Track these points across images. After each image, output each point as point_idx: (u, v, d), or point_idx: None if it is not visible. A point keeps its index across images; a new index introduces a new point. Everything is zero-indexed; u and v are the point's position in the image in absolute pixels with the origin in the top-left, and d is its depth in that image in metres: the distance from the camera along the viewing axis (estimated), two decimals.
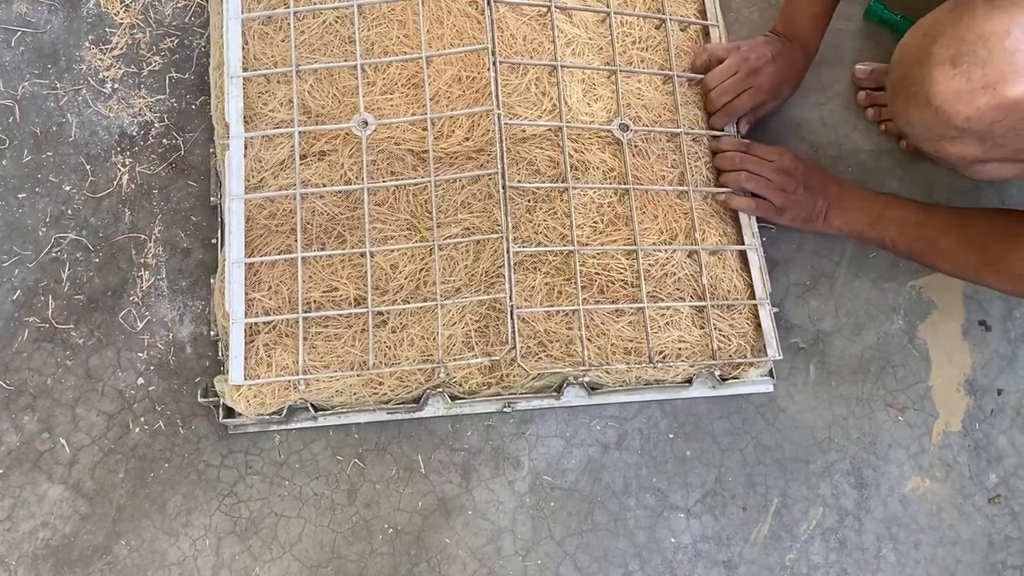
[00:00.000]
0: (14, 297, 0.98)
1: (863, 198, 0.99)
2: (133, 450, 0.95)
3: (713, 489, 0.98)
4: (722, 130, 1.04)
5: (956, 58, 0.73)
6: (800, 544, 0.97)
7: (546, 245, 0.96)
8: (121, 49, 1.07)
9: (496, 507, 0.96)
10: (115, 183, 1.03)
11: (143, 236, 1.02)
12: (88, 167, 1.03)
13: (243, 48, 0.99)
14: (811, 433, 1.00)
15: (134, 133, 1.05)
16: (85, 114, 1.05)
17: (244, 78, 0.98)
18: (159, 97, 1.06)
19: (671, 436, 0.99)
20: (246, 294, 0.93)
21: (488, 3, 0.95)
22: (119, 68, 1.06)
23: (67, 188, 1.02)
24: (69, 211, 1.02)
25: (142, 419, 0.96)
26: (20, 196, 1.01)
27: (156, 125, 1.05)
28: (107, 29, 1.07)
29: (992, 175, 0.84)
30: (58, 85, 1.05)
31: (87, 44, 1.07)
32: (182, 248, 1.01)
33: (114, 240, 1.01)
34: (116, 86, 1.06)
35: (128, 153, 1.04)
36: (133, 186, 1.03)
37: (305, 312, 0.93)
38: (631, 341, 0.96)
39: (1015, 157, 0.78)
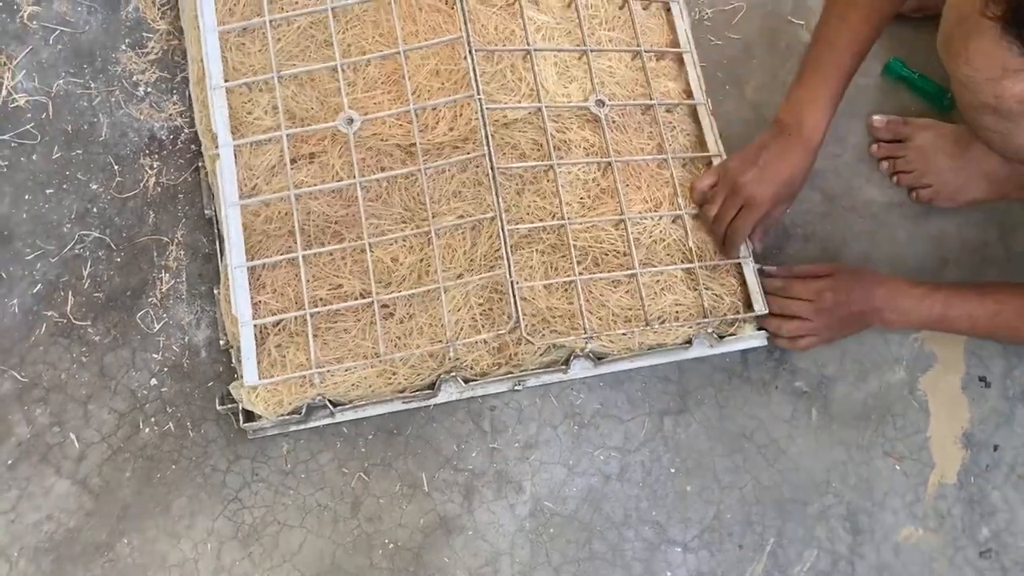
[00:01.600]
0: (35, 291, 1.00)
1: (917, 299, 0.98)
2: (141, 450, 0.96)
3: (711, 525, 0.99)
4: (738, 257, 1.04)
5: None
6: None
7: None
8: (156, 54, 1.09)
9: (496, 529, 0.97)
10: (141, 185, 1.05)
11: (165, 239, 1.03)
12: (116, 167, 1.05)
13: (222, 60, 1.02)
14: (810, 476, 1.02)
15: (163, 137, 1.06)
16: (117, 115, 1.06)
17: (227, 89, 1.00)
18: (190, 104, 1.08)
19: (672, 471, 1.01)
20: (251, 298, 0.95)
21: None
22: (153, 72, 1.08)
23: (94, 187, 1.04)
24: (95, 209, 1.03)
25: (152, 420, 0.98)
26: (48, 192, 1.03)
27: (185, 131, 1.07)
28: (144, 34, 1.09)
29: None
30: (92, 85, 1.07)
31: (123, 47, 1.09)
32: (203, 253, 1.03)
33: (137, 241, 1.03)
34: (149, 90, 1.08)
35: (156, 156, 1.06)
36: (159, 189, 1.05)
37: (312, 309, 0.95)
38: (631, 309, 1.00)
39: None
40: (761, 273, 1.04)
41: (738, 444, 1.02)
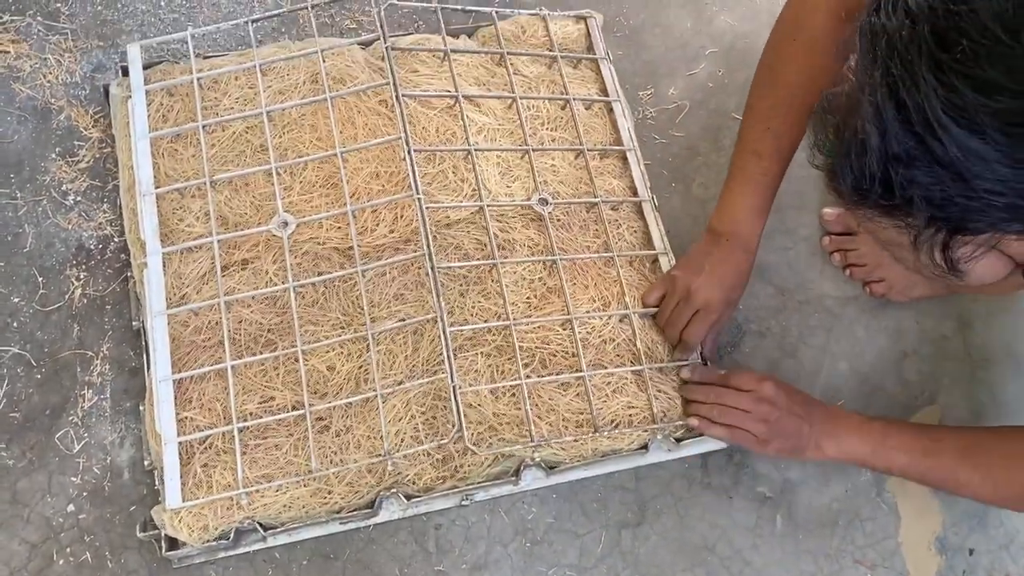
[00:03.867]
0: None
1: (856, 425, 0.93)
2: None
3: None
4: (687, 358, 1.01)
5: None
6: None
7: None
8: (88, 162, 1.06)
9: None
10: (67, 297, 1.00)
11: (90, 353, 0.98)
12: (40, 279, 1.00)
13: (153, 167, 0.99)
14: None
15: (92, 247, 1.02)
16: (43, 225, 1.02)
17: (157, 195, 0.97)
18: (120, 213, 1.04)
19: None
20: (177, 414, 0.90)
21: (396, 98, 0.98)
22: (83, 181, 1.05)
23: (16, 300, 0.99)
24: (15, 324, 0.98)
25: (68, 550, 0.90)
26: None
27: (115, 240, 1.02)
28: (75, 142, 1.07)
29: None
30: (19, 195, 1.03)
31: (53, 156, 1.06)
32: (130, 367, 0.97)
33: (59, 356, 0.97)
34: (79, 199, 1.04)
35: (84, 267, 1.01)
36: (85, 301, 1.00)
37: (241, 424, 0.89)
38: (582, 413, 0.95)
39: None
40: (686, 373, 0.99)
41: (700, 557, 0.96)
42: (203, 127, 0.99)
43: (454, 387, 0.89)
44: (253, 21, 1.05)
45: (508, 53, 1.08)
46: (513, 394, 0.95)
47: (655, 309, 1.01)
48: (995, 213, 0.53)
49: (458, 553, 0.93)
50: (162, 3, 1.15)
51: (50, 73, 1.10)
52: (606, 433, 0.94)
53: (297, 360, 0.91)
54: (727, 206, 0.97)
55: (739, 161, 0.96)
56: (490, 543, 0.94)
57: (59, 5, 1.13)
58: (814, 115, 0.61)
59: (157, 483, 0.90)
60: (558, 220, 1.04)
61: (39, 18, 1.12)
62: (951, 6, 0.50)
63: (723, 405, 0.94)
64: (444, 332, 0.91)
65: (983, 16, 0.49)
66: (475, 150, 1.01)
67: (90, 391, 0.96)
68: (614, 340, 0.99)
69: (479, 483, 0.93)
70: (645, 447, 0.96)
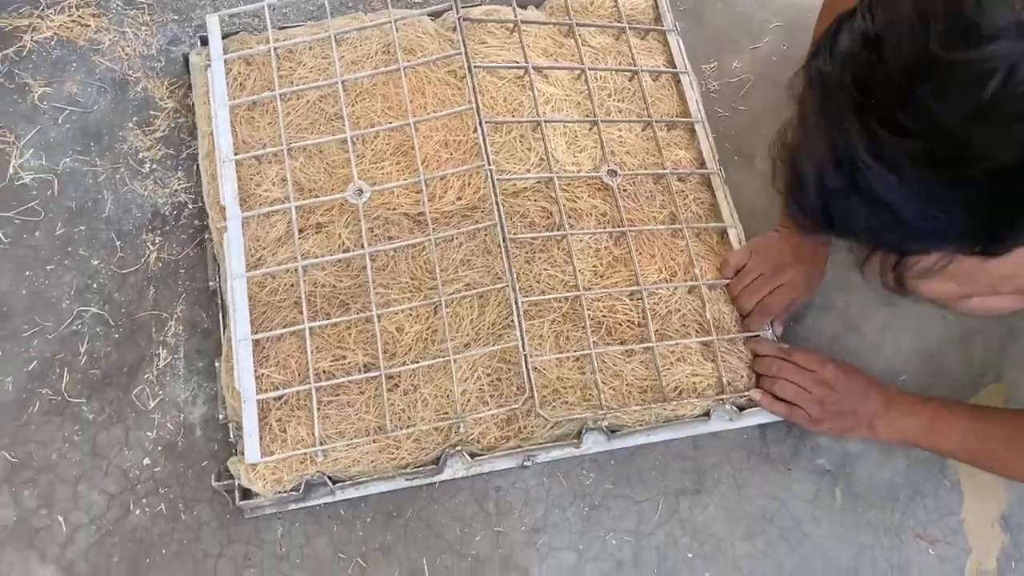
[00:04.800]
0: (30, 368, 0.97)
1: (909, 407, 0.94)
2: (131, 533, 0.92)
3: None
4: (757, 331, 1.02)
5: None
6: None
7: (548, 293, 0.97)
8: (163, 132, 1.09)
9: None
10: (143, 260, 1.03)
11: (165, 314, 1.01)
12: (118, 243, 1.04)
13: (232, 134, 1.01)
14: (836, 562, 0.95)
15: (166, 213, 1.06)
16: (121, 191, 1.06)
17: (236, 162, 1.00)
18: (195, 180, 1.07)
19: (690, 556, 0.95)
20: (254, 371, 0.92)
21: (468, 69, 0.99)
22: (159, 149, 1.08)
23: (95, 263, 1.03)
24: (95, 285, 1.02)
25: (144, 501, 0.94)
26: (48, 268, 1.02)
27: (189, 206, 1.06)
28: (151, 112, 1.10)
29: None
30: (98, 162, 1.07)
31: (131, 125, 1.09)
32: (202, 329, 1.01)
33: (136, 316, 1.01)
34: (154, 166, 1.08)
35: (159, 232, 1.05)
36: (160, 264, 1.03)
37: (316, 383, 0.91)
38: (646, 380, 0.96)
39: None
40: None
41: (759, 527, 0.96)
42: (280, 96, 1.01)
43: (525, 356, 0.90)
44: None
45: (577, 24, 1.08)
46: (578, 359, 0.96)
47: (726, 280, 1.01)
48: (927, 237, 0.56)
49: (517, 515, 0.95)
50: None
51: (128, 46, 1.13)
52: (672, 402, 0.94)
53: (369, 321, 0.94)
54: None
55: None
56: (549, 506, 0.96)
57: None
58: (772, 143, 0.64)
59: (230, 437, 0.94)
60: (624, 190, 1.04)
61: None
62: (869, 56, 0.53)
63: (785, 380, 0.95)
64: (516, 303, 0.92)
65: (891, 66, 0.51)
66: (545, 121, 1.02)
67: (164, 351, 1.00)
68: (680, 311, 1.00)
69: (541, 444, 0.94)
70: (707, 415, 0.96)
